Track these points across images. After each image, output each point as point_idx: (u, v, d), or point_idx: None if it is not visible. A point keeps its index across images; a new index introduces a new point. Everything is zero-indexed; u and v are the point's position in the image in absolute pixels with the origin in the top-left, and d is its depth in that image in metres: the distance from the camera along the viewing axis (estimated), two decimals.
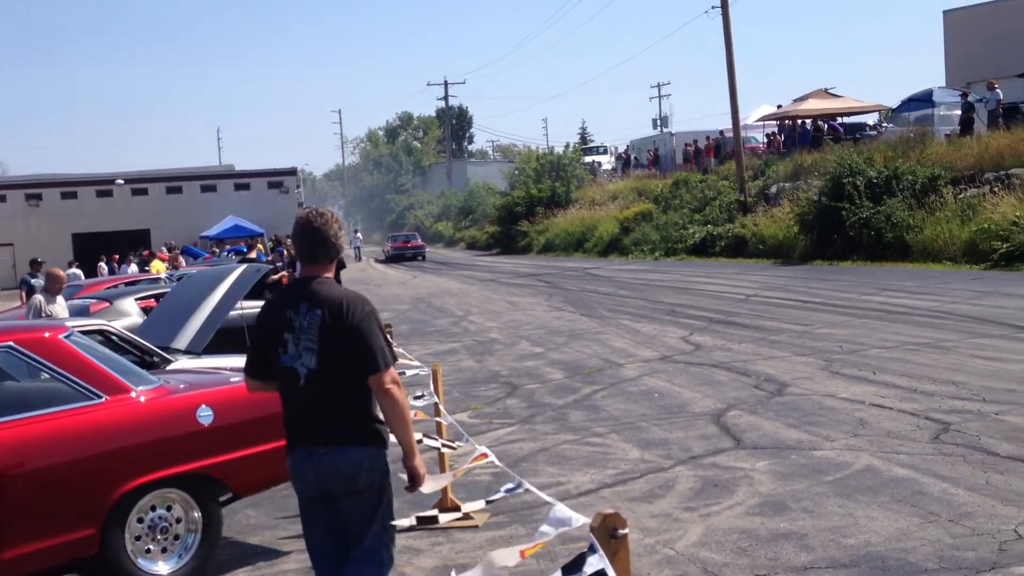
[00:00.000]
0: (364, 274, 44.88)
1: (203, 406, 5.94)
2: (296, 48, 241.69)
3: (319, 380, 4.22)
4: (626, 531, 2.82)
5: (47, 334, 5.70)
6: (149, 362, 8.82)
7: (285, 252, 27.48)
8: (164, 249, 40.57)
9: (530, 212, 53.33)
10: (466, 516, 6.62)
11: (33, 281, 18.33)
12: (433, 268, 45.88)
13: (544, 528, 3.27)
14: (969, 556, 5.45)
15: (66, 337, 5.72)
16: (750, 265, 29.77)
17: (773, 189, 35.19)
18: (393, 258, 55.43)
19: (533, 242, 51.27)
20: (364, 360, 4.17)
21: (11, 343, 5.59)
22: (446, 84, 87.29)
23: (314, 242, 4.35)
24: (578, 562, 2.80)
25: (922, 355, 11.97)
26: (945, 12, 44.87)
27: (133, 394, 5.77)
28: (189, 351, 9.70)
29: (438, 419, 7.54)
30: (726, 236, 34.04)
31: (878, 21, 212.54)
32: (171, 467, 5.75)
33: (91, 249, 42.42)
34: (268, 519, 7.40)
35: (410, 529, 6.76)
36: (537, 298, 24.56)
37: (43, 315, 11.12)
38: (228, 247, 40.77)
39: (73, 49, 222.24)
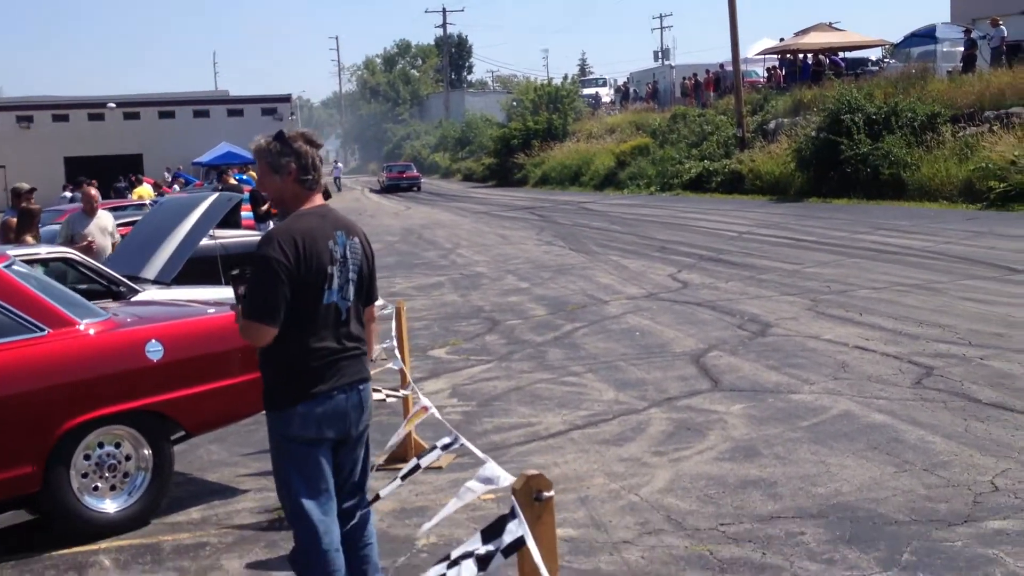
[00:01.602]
0: (358, 204, 44.53)
1: (153, 341, 5.70)
2: None
3: (357, 313, 4.09)
4: (551, 494, 2.60)
5: None
6: (115, 292, 8.58)
7: None
8: (166, 175, 40.11)
9: (526, 144, 52.75)
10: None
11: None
12: (427, 199, 45.48)
13: (471, 484, 3.05)
14: (942, 508, 5.27)
15: (6, 267, 5.47)
16: (746, 202, 29.43)
17: (772, 125, 34.67)
18: (388, 188, 54.91)
19: (529, 175, 50.79)
20: (374, 288, 4.22)
21: None
22: (444, 12, 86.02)
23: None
24: (497, 527, 2.58)
25: (911, 296, 11.75)
26: None
27: (79, 327, 5.53)
28: (158, 281, 9.44)
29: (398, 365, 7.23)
30: (722, 172, 33.61)
31: None
32: (118, 403, 5.53)
33: (84, 173, 41.94)
34: (230, 455, 7.22)
35: (411, 471, 6.59)
36: (528, 232, 24.28)
37: (74, 239, 10.81)
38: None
39: None
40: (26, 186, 11.51)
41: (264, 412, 4.09)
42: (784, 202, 27.87)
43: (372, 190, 59.44)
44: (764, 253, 16.81)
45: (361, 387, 4.10)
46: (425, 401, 4.74)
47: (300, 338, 3.91)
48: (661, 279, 14.69)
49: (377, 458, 6.76)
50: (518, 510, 2.54)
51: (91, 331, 5.60)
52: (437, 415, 4.49)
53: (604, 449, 6.75)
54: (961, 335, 9.52)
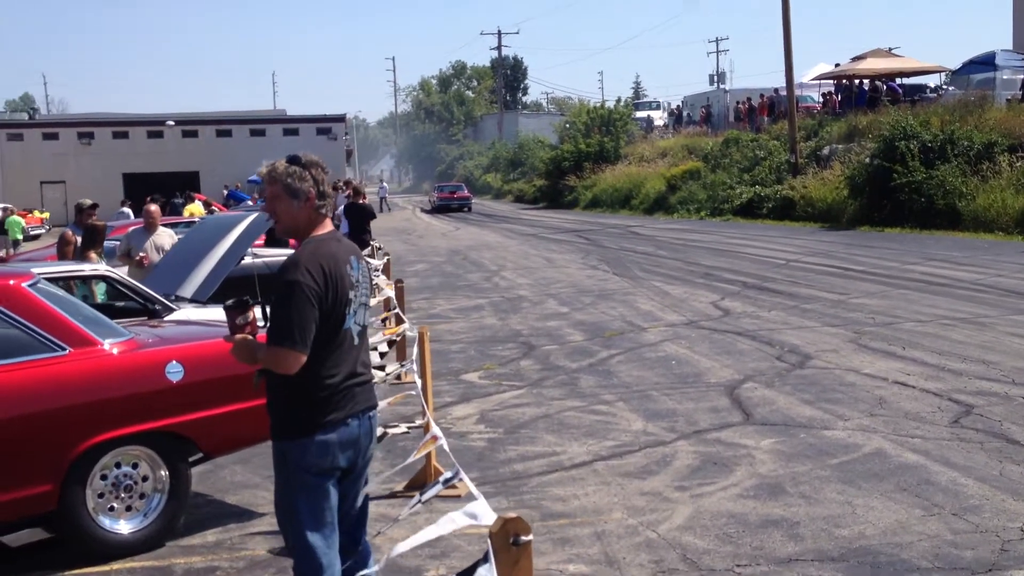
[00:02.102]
0: (408, 224, 44.74)
1: (173, 361, 5.72)
2: None
3: (365, 337, 4.08)
4: (529, 538, 2.53)
5: (11, 282, 5.50)
6: (152, 310, 8.65)
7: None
8: (224, 192, 40.65)
9: (578, 167, 52.70)
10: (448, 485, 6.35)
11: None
12: (477, 220, 45.57)
13: (453, 515, 2.99)
14: (967, 555, 5.10)
15: (30, 286, 5.52)
16: (796, 229, 29.09)
17: (825, 150, 34.29)
18: (439, 208, 55.12)
19: (580, 197, 50.71)
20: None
21: None
22: (499, 34, 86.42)
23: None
24: (471, 571, 2.52)
25: (957, 331, 11.48)
26: None
27: (100, 347, 5.56)
28: (195, 300, 9.51)
29: (416, 389, 7.18)
30: (774, 198, 33.27)
31: None
32: (136, 424, 5.55)
33: (141, 189, 42.72)
34: (253, 477, 7.22)
35: (390, 496, 6.57)
36: (574, 255, 24.19)
37: (131, 253, 11.07)
38: None
39: None
40: (88, 202, 11.67)
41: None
42: (835, 230, 27.50)
43: (423, 210, 59.73)
44: (810, 282, 16.57)
45: (371, 414, 4.08)
46: (436, 431, 4.67)
47: (320, 364, 3.88)
48: (703, 307, 14.53)
49: (397, 485, 6.74)
50: (491, 555, 2.48)
51: (113, 351, 5.63)
52: (446, 447, 4.41)
53: (626, 482, 6.64)
54: (1005, 372, 9.27)
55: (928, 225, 25.12)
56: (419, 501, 4.19)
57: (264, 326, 3.96)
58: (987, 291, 14.42)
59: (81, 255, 10.54)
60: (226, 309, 3.94)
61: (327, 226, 4.06)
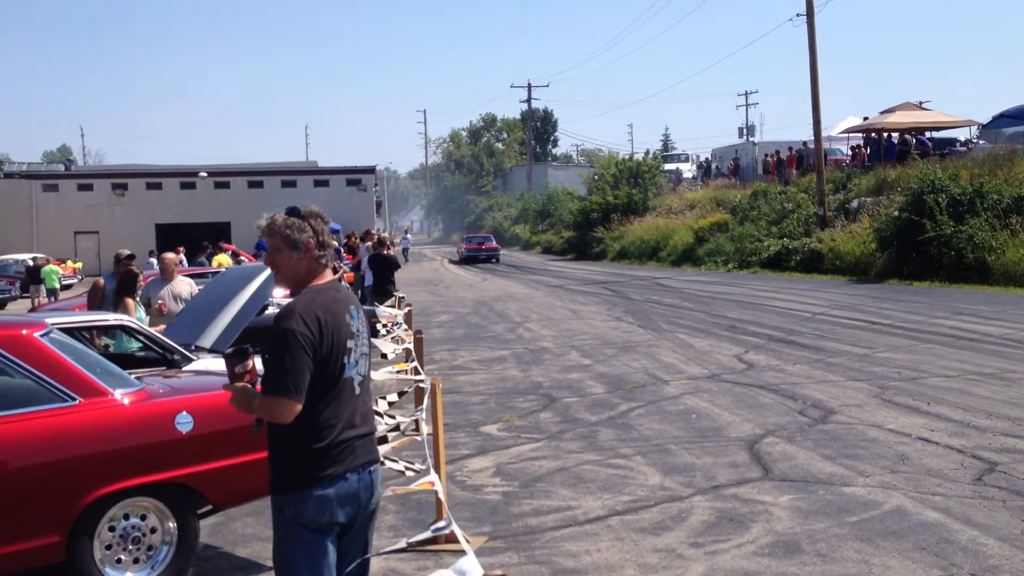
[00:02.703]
0: (436, 275, 44.89)
1: (183, 412, 5.73)
2: (384, 48, 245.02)
3: (367, 388, 4.03)
4: None
5: (24, 331, 5.55)
6: (170, 360, 8.71)
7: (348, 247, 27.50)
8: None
9: (606, 218, 52.86)
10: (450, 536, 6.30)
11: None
12: (504, 271, 45.66)
13: (442, 572, 2.94)
14: None
15: (43, 335, 5.56)
16: (824, 281, 28.91)
17: (854, 203, 34.18)
18: (467, 259, 55.33)
19: (608, 249, 50.77)
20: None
21: None
22: (529, 87, 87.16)
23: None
24: None
25: (983, 386, 11.31)
26: None
27: (110, 397, 5.58)
28: (214, 350, 9.55)
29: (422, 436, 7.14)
30: (802, 251, 33.14)
31: (975, 33, 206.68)
32: (145, 475, 5.55)
33: (173, 239, 43.21)
34: (264, 529, 7.16)
35: (401, 551, 6.50)
36: (599, 307, 24.14)
37: (150, 303, 11.21)
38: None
39: (179, 46, 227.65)
40: (126, 252, 11.77)
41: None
42: (864, 283, 27.30)
43: (451, 261, 59.97)
44: (836, 336, 16.42)
45: (372, 469, 4.01)
46: (432, 476, 4.63)
47: (318, 415, 3.83)
48: (726, 359, 14.41)
49: (407, 538, 6.67)
50: None
51: (123, 401, 5.64)
52: (441, 496, 4.37)
53: (640, 538, 6.55)
54: None
55: (957, 279, 24.89)
56: (406, 547, 4.14)
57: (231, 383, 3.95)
58: (1015, 346, 14.22)
59: (115, 303, 10.65)
60: (225, 357, 3.94)
61: (327, 276, 4.06)
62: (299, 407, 3.76)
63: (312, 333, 3.79)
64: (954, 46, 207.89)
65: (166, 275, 11.64)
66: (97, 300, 11.42)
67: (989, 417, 9.70)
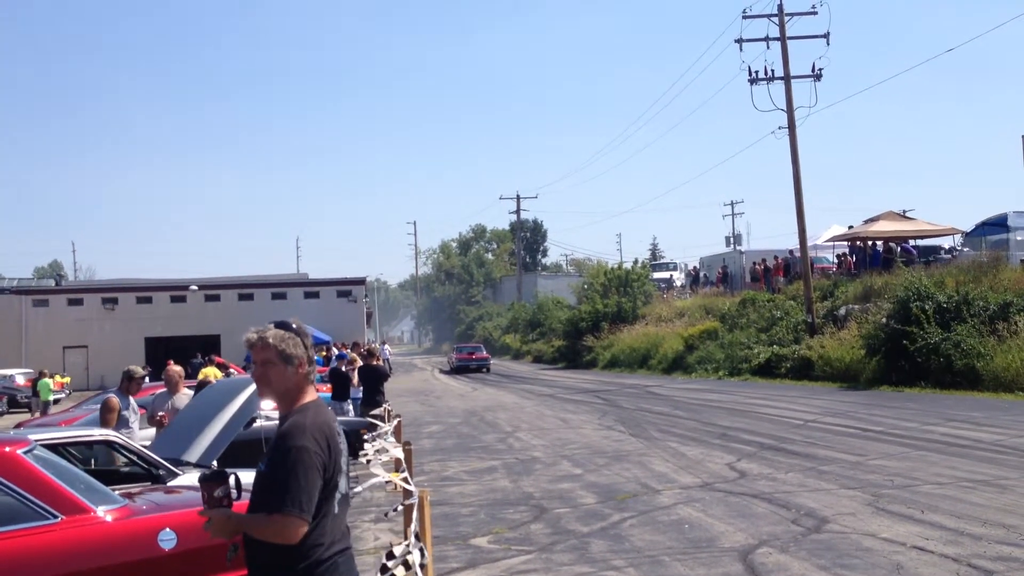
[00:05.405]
0: (427, 385, 44.72)
1: (167, 529, 5.65)
2: (374, 161, 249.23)
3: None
4: None
5: (7, 449, 5.50)
6: (156, 475, 8.62)
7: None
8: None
9: (595, 327, 53.04)
10: None
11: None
12: (495, 381, 45.52)
13: None
14: None
15: (25, 452, 5.52)
16: (815, 388, 28.89)
17: (842, 311, 34.40)
18: (458, 369, 55.25)
19: (598, 357, 50.79)
20: None
21: None
22: (518, 198, 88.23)
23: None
24: None
25: (976, 493, 11.22)
26: None
27: (93, 514, 5.51)
28: (200, 464, 9.46)
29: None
30: (792, 357, 33.21)
31: (956, 144, 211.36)
32: None
33: (163, 353, 43.06)
34: None
35: None
36: (590, 416, 24.03)
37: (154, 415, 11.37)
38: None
39: (171, 161, 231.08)
40: (140, 372, 11.43)
41: None
42: (854, 389, 27.29)
43: (442, 370, 59.82)
44: (828, 443, 16.33)
45: None
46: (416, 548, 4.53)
47: (308, 534, 3.74)
48: (718, 468, 14.30)
49: None
50: None
51: (106, 518, 5.57)
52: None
53: None
54: None
55: (948, 385, 24.91)
56: None
57: (237, 497, 3.87)
58: (1007, 452, 14.17)
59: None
60: (202, 482, 3.82)
61: (312, 393, 4.06)
62: (306, 527, 3.68)
63: (322, 451, 3.77)
64: (934, 156, 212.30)
65: (171, 387, 11.69)
66: (110, 420, 10.57)
67: (984, 525, 9.60)
